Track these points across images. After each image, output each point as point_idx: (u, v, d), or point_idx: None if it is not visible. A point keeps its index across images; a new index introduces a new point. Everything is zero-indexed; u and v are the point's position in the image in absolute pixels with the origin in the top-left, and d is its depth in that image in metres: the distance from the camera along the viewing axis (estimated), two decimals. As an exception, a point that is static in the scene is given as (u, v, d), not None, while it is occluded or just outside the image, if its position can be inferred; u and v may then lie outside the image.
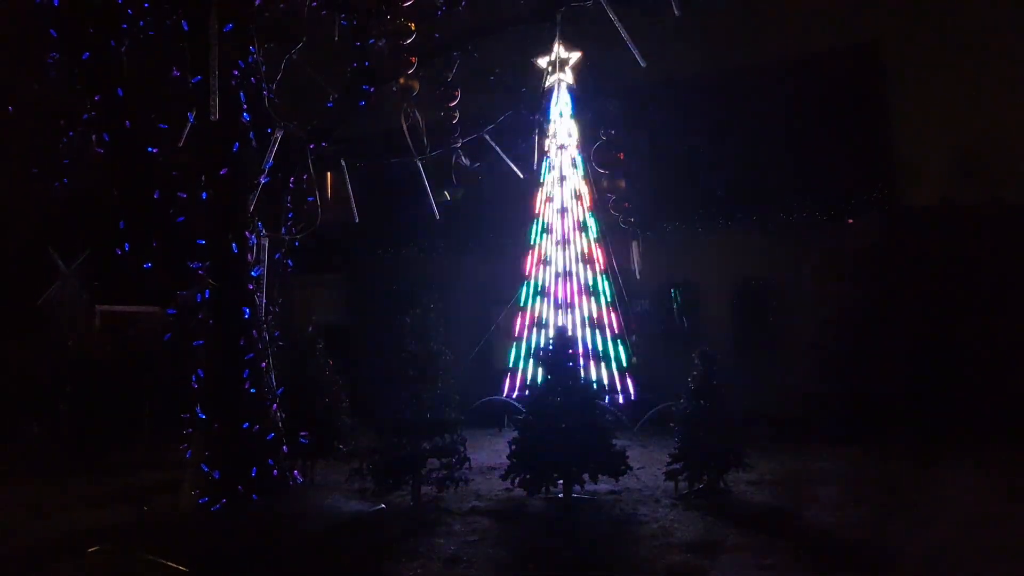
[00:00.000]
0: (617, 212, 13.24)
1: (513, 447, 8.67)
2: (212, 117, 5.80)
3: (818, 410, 12.58)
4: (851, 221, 13.87)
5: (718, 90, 16.06)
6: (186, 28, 6.33)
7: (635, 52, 8.81)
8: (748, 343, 14.51)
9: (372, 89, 7.92)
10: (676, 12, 7.75)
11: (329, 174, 17.20)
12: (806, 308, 13.87)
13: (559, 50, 13.43)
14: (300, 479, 6.61)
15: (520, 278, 13.95)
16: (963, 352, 12.70)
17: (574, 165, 13.83)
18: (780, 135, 14.78)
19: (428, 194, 10.64)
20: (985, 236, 13.41)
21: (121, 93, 6.69)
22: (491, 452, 10.72)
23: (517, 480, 8.59)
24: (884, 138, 14.71)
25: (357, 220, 10.78)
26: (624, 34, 8.47)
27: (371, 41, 8.05)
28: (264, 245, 6.67)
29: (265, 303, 6.72)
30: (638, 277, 13.45)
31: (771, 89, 15.40)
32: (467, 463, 8.95)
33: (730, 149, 14.96)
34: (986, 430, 11.29)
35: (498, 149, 11.91)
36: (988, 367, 12.39)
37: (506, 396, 13.56)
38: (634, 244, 13.38)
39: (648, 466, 9.90)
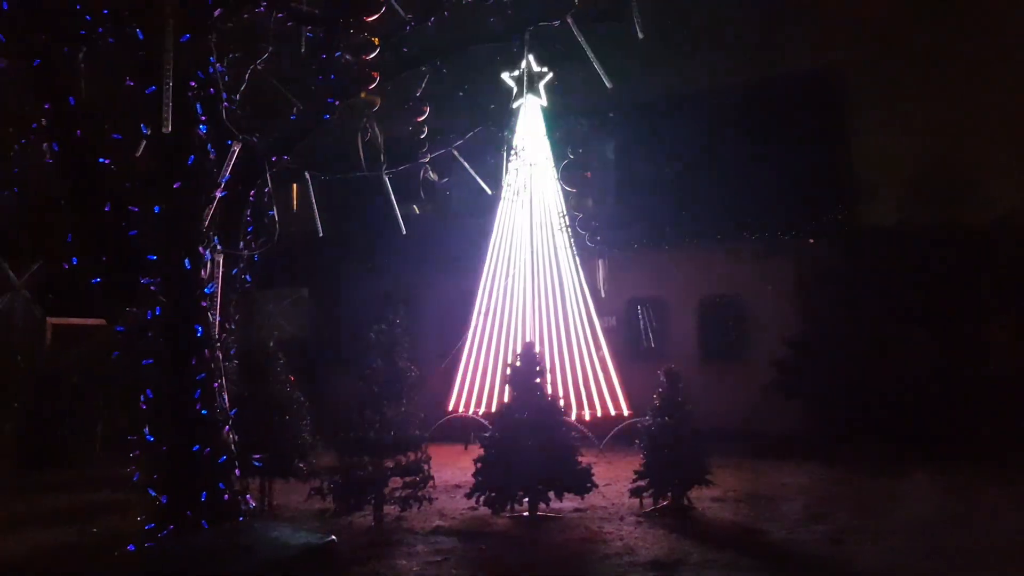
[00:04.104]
0: (584, 231, 13.31)
1: (478, 465, 8.58)
2: (164, 129, 5.64)
3: (783, 425, 12.72)
4: (812, 241, 14.12)
5: (683, 111, 16.32)
6: (141, 37, 6.16)
7: (601, 73, 8.87)
8: (713, 359, 14.65)
9: (337, 103, 7.82)
10: (639, 35, 7.81)
11: (295, 186, 16.97)
12: (769, 325, 14.05)
13: (528, 68, 13.48)
14: (252, 504, 6.42)
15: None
16: (920, 368, 12.95)
17: (542, 182, 13.86)
18: (743, 156, 15.06)
19: (394, 208, 10.54)
20: (941, 256, 13.74)
21: (73, 102, 6.49)
22: (456, 470, 10.60)
23: (482, 498, 8.49)
24: (844, 160, 15.09)
25: (321, 234, 10.64)
26: (590, 55, 8.52)
27: (337, 54, 7.95)
28: (219, 261, 6.49)
29: (220, 320, 6.54)
30: (603, 295, 13.50)
31: (734, 111, 15.71)
32: (431, 481, 8.82)
33: (695, 170, 15.19)
34: (945, 443, 11.49)
35: (466, 165, 11.87)
36: (945, 382, 12.63)
37: (472, 413, 13.46)
38: (600, 262, 13.44)
39: (614, 483, 9.87)
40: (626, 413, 12.98)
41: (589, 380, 13.39)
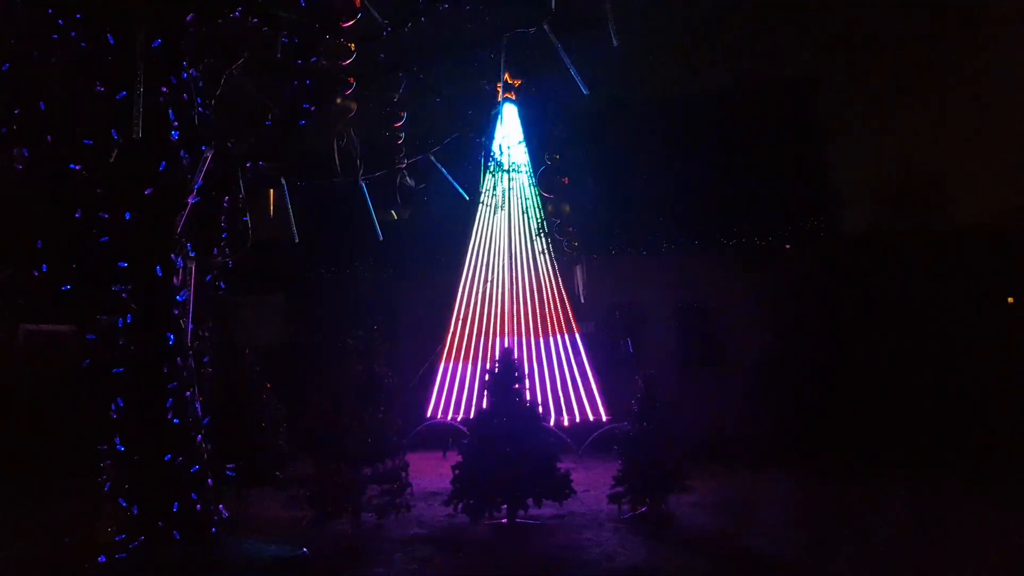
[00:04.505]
0: (562, 236, 13.33)
1: (457, 472, 8.54)
2: (135, 135, 5.56)
3: (758, 431, 12.80)
4: (788, 247, 14.26)
5: (663, 119, 16.48)
6: (112, 43, 6.08)
7: (578, 80, 8.89)
8: (691, 365, 14.73)
9: (313, 108, 7.77)
10: (615, 42, 7.85)
11: (272, 192, 16.80)
12: (747, 330, 14.15)
13: (506, 73, 13.48)
14: (226, 514, 6.33)
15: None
16: (894, 373, 13.12)
17: (520, 187, 13.87)
18: (722, 164, 15.22)
19: (372, 214, 10.48)
20: (914, 261, 13.96)
21: (44, 107, 6.38)
22: (435, 476, 10.55)
23: (460, 506, 8.45)
24: (820, 168, 15.28)
25: (296, 240, 10.54)
26: (567, 62, 8.54)
27: (313, 60, 7.90)
28: (192, 268, 6.41)
29: (193, 328, 6.45)
30: (582, 300, 13.53)
31: (714, 120, 15.90)
32: (409, 489, 8.77)
33: (674, 176, 15.30)
34: (920, 448, 11.65)
35: (444, 171, 11.84)
36: (919, 387, 12.80)
37: (450, 419, 13.42)
38: (578, 268, 13.47)
39: (592, 489, 9.88)
40: (604, 419, 13.00)
41: (568, 385, 13.39)
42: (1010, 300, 15.62)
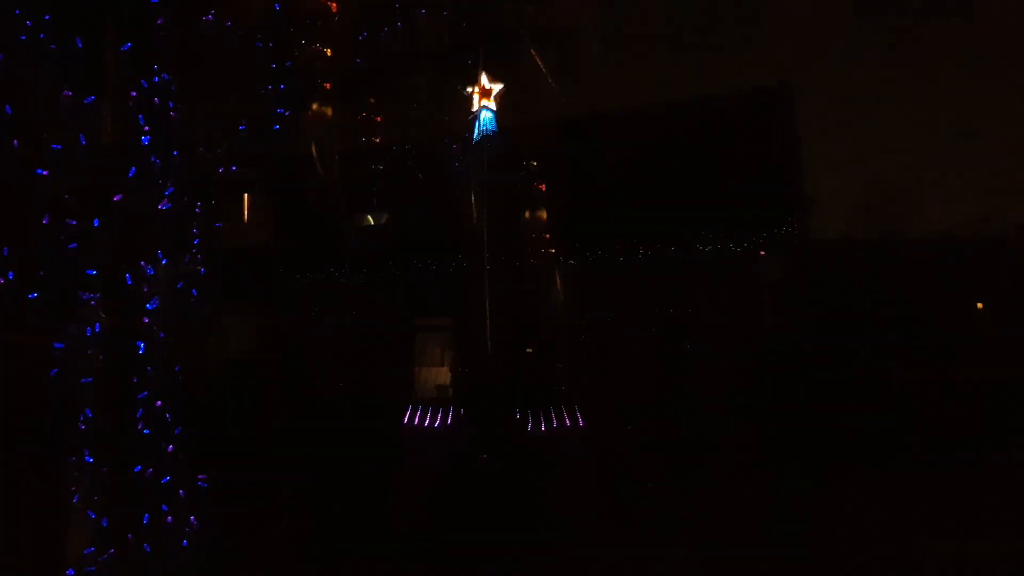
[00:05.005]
0: (537, 243, 13.33)
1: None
2: (103, 140, 5.46)
3: (733, 436, 12.86)
4: (763, 254, 14.38)
5: (638, 126, 16.51)
6: (80, 45, 5.97)
7: (554, 86, 8.93)
8: (667, 371, 14.75)
9: (288, 113, 7.70)
10: (591, 52, 7.89)
11: (247, 198, 16.64)
12: (721, 336, 14.23)
13: (483, 80, 13.47)
14: (198, 526, 6.22)
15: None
16: (867, 377, 13.26)
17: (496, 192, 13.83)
18: (696, 171, 15.30)
19: (347, 220, 10.43)
20: (886, 268, 14.16)
21: (10, 111, 6.24)
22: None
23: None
24: (794, 175, 15.43)
25: (272, 246, 10.46)
26: (543, 69, 8.57)
27: (288, 64, 7.84)
28: (162, 275, 6.30)
29: (164, 336, 6.34)
30: (558, 308, 13.53)
31: (688, 126, 15.96)
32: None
33: (648, 183, 15.36)
34: (894, 453, 11.78)
35: (421, 176, 11.82)
36: (892, 392, 12.95)
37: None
38: (554, 275, 13.47)
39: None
40: (580, 424, 12.98)
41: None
42: (979, 306, 15.94)
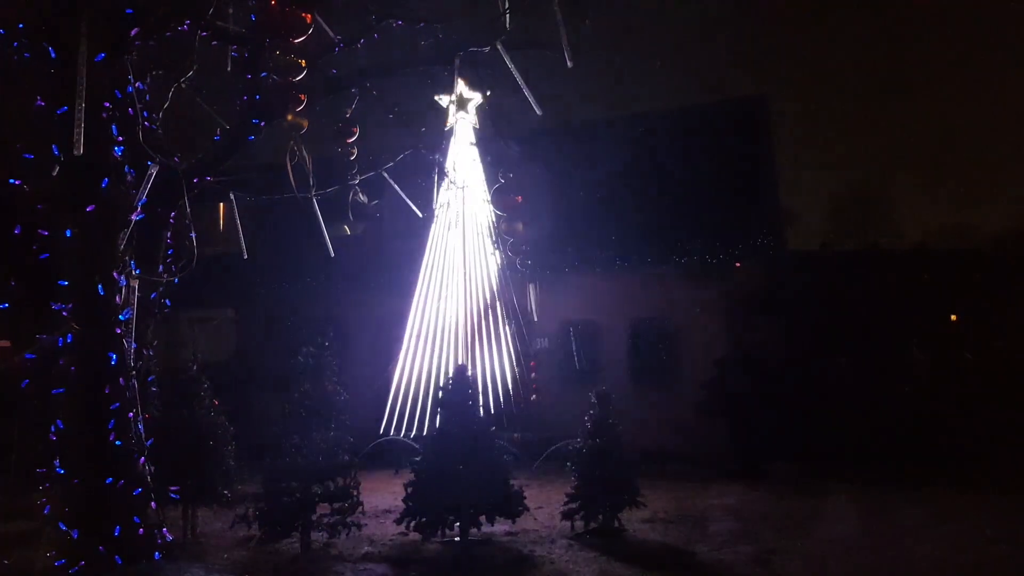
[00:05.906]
0: (515, 255, 13.38)
1: (409, 490, 8.47)
2: (76, 151, 5.46)
3: (711, 446, 12.98)
4: (739, 264, 14.54)
5: (614, 137, 16.68)
6: (53, 56, 5.96)
7: (531, 99, 9.02)
8: (644, 381, 14.85)
9: (262, 124, 7.71)
10: (568, 63, 8.00)
11: (222, 207, 16.55)
12: (698, 347, 14.36)
13: (460, 91, 13.55)
14: (170, 537, 6.18)
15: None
16: (844, 387, 13.45)
17: (474, 205, 13.92)
18: (673, 182, 15.47)
19: (323, 230, 10.41)
20: (862, 278, 14.38)
21: (-19, 120, 6.23)
22: (387, 495, 10.43)
23: (412, 524, 8.37)
24: (770, 187, 15.64)
25: (246, 256, 10.40)
26: (520, 81, 8.66)
27: (263, 75, 7.86)
28: (135, 285, 6.29)
29: (136, 347, 6.31)
30: (535, 319, 13.61)
31: (664, 137, 16.14)
32: (360, 507, 8.66)
33: (625, 194, 15.51)
34: (868, 461, 11.95)
35: (396, 187, 11.83)
36: (868, 401, 13.14)
37: (403, 436, 13.31)
38: (531, 287, 13.55)
39: (546, 505, 9.88)
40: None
41: (521, 401, 13.41)
42: (953, 317, 16.26)
